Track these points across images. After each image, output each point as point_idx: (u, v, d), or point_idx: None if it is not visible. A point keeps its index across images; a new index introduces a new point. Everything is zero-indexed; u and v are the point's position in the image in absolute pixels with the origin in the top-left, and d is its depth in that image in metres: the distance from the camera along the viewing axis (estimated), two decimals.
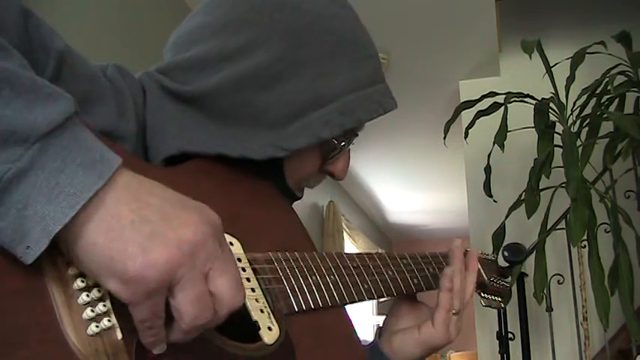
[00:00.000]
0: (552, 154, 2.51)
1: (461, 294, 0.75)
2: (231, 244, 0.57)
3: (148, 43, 2.43)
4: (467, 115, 2.82)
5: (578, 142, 2.46)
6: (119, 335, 0.42)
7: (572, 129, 2.55)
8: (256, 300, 0.55)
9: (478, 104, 2.74)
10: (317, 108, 0.66)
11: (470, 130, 2.72)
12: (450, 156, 3.65)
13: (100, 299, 0.43)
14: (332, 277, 0.65)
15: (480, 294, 0.88)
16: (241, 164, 0.65)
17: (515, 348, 2.77)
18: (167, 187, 0.45)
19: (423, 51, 3.39)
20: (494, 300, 0.93)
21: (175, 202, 0.43)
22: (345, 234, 5.54)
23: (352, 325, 0.65)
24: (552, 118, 2.64)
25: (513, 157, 2.84)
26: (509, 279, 0.96)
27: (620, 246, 2.29)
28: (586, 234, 2.31)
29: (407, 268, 0.77)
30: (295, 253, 0.63)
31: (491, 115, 2.68)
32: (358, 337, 0.65)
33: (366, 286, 0.69)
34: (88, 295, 0.42)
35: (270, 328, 0.54)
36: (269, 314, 0.55)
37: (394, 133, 4.59)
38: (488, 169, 2.75)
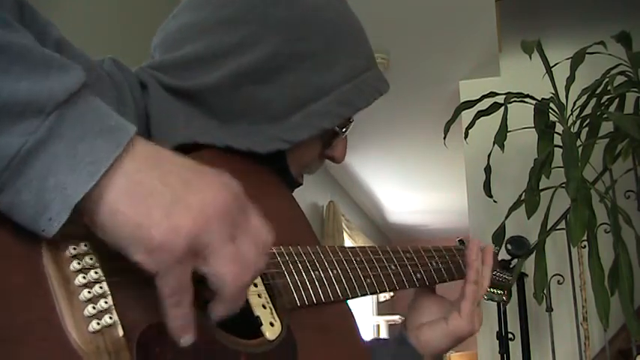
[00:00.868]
0: (552, 154, 2.51)
1: (481, 286, 0.78)
2: None
3: (146, 40, 2.43)
4: (467, 116, 2.82)
5: (578, 142, 2.46)
6: (120, 332, 0.42)
7: (572, 129, 2.55)
8: (259, 295, 0.55)
9: (478, 104, 2.74)
10: (317, 99, 0.67)
11: (470, 131, 2.72)
12: (450, 156, 3.65)
13: (102, 296, 0.42)
14: (335, 271, 0.65)
15: None
16: (245, 156, 0.66)
17: (515, 348, 2.77)
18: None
19: (423, 51, 3.39)
20: (497, 293, 0.93)
21: (195, 169, 0.43)
22: (345, 234, 5.53)
23: (354, 320, 0.65)
24: (552, 118, 2.64)
25: (513, 157, 2.83)
26: (511, 272, 0.96)
27: (620, 246, 2.29)
28: (586, 234, 2.31)
29: (410, 263, 0.77)
30: (299, 247, 0.63)
31: (491, 115, 2.68)
32: (360, 332, 0.65)
33: (368, 280, 0.69)
34: (89, 292, 0.42)
35: (272, 324, 0.54)
36: (271, 310, 0.55)
37: (394, 133, 4.59)
38: (488, 169, 2.75)
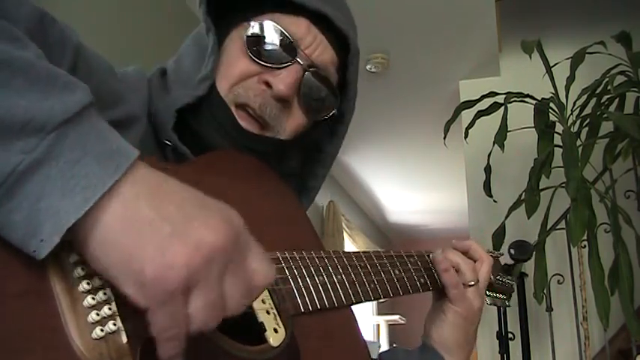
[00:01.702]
0: (552, 154, 2.51)
1: (464, 265, 0.79)
2: None
3: (148, 43, 2.43)
4: (467, 115, 2.82)
5: (578, 142, 2.46)
6: (124, 339, 0.41)
7: (572, 129, 2.55)
8: (262, 301, 0.55)
9: (478, 104, 2.74)
10: None
11: (470, 130, 2.72)
12: (450, 156, 3.65)
13: (106, 302, 0.41)
14: (339, 276, 0.65)
15: (485, 292, 0.89)
16: (250, 156, 0.67)
17: (515, 348, 2.77)
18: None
19: (423, 51, 3.39)
20: (499, 298, 0.94)
21: (196, 201, 0.41)
22: (345, 234, 5.53)
23: (358, 326, 0.65)
24: (552, 118, 2.64)
25: (513, 157, 2.83)
26: (513, 277, 0.97)
27: (620, 246, 2.29)
28: (586, 234, 2.31)
29: (414, 267, 0.77)
30: (303, 252, 0.63)
31: (491, 115, 2.68)
32: (363, 338, 0.65)
33: (372, 285, 0.69)
34: (93, 298, 0.41)
35: (276, 330, 0.54)
36: (275, 315, 0.55)
37: (394, 133, 4.58)
38: (488, 169, 2.75)
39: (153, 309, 0.38)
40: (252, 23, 0.68)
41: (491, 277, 0.89)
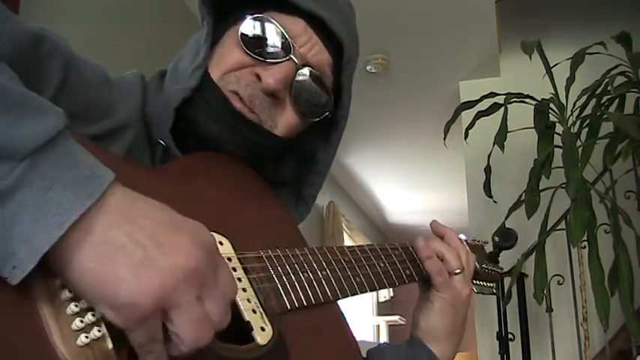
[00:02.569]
0: (552, 155, 2.51)
1: (448, 253, 0.79)
2: (220, 243, 0.57)
3: (149, 45, 2.43)
4: (467, 116, 2.82)
5: (578, 143, 2.46)
6: (110, 345, 0.41)
7: (572, 129, 2.55)
8: (248, 300, 0.55)
9: (478, 105, 2.74)
10: None
11: (470, 131, 2.72)
12: (450, 156, 3.65)
13: (89, 309, 0.41)
14: (324, 272, 0.65)
15: (472, 281, 0.89)
16: (235, 160, 0.67)
17: (515, 348, 2.77)
18: (156, 194, 0.44)
19: (423, 51, 3.39)
20: (487, 286, 0.94)
21: (169, 224, 0.42)
22: (345, 234, 5.53)
23: (345, 320, 0.65)
24: (552, 118, 2.64)
25: (513, 157, 2.83)
26: (499, 265, 0.97)
27: (620, 246, 2.29)
28: (586, 234, 2.31)
29: (399, 259, 0.77)
30: (286, 249, 0.63)
31: (491, 115, 2.68)
32: (351, 332, 0.65)
33: (358, 279, 0.68)
34: (76, 306, 0.41)
35: (263, 329, 0.54)
36: (261, 314, 0.55)
37: (394, 133, 4.59)
38: (488, 170, 2.75)
39: (129, 329, 0.40)
40: (249, 18, 0.68)
41: (477, 265, 0.89)
